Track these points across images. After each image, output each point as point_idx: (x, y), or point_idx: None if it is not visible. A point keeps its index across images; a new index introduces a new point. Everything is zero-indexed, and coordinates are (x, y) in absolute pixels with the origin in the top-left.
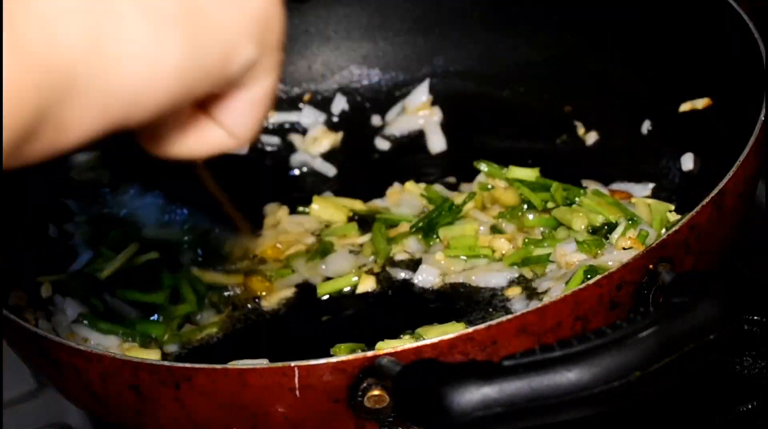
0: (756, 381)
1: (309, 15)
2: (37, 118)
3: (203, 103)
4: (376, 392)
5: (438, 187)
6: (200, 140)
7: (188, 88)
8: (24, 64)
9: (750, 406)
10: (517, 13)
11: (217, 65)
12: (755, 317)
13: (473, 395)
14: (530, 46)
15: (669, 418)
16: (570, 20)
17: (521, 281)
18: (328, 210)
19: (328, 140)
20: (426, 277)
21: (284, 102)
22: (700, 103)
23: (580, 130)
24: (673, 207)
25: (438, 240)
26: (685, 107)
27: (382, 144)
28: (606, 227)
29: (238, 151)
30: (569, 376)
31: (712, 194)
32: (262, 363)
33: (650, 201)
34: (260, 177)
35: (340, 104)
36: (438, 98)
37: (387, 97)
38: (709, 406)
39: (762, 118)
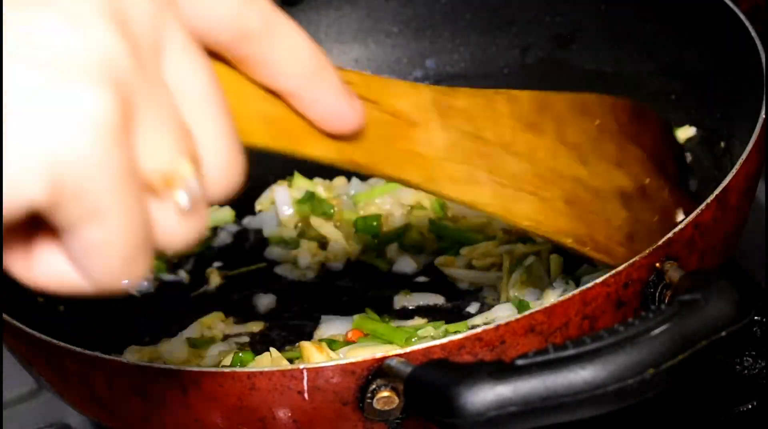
0: (756, 381)
1: (299, 18)
2: None
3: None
4: (385, 393)
5: None
6: (46, 272)
7: None
8: None
9: (750, 406)
10: (509, 14)
11: None
12: (756, 317)
13: (487, 395)
14: (522, 48)
15: (669, 418)
16: (562, 21)
17: None
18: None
19: None
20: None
21: None
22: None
23: None
24: None
25: None
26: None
27: None
28: None
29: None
30: (583, 375)
31: (717, 192)
32: (271, 366)
33: None
34: None
35: None
36: None
37: None
38: (709, 406)
39: (763, 115)
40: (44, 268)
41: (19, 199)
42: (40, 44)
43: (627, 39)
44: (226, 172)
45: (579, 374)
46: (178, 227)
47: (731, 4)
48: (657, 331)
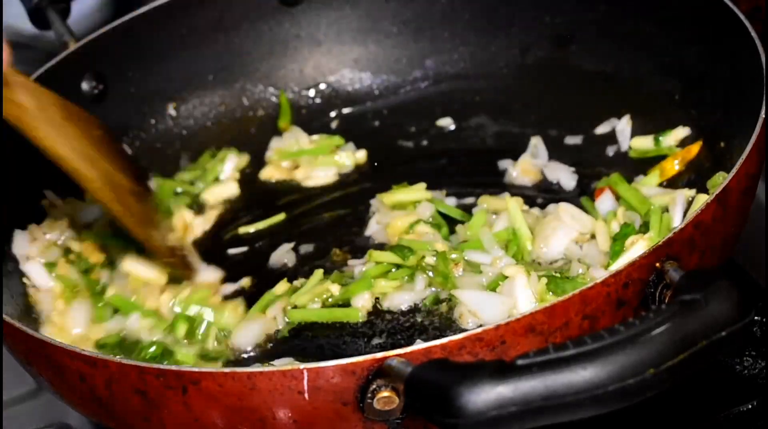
0: (756, 381)
1: (300, 19)
2: None
3: None
4: (385, 394)
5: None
6: None
7: None
8: None
9: (750, 406)
10: (507, 15)
11: None
12: (756, 317)
13: (488, 394)
14: (522, 48)
15: (669, 418)
16: (561, 22)
17: None
18: None
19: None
20: None
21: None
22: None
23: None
24: None
25: None
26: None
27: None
28: None
29: None
30: (584, 374)
31: (716, 192)
32: (271, 366)
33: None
34: None
35: None
36: (430, 100)
37: (379, 100)
38: (709, 406)
39: (763, 115)
40: None
41: None
42: None
43: (627, 39)
44: None
45: (579, 374)
46: None
47: (731, 4)
48: (657, 331)
